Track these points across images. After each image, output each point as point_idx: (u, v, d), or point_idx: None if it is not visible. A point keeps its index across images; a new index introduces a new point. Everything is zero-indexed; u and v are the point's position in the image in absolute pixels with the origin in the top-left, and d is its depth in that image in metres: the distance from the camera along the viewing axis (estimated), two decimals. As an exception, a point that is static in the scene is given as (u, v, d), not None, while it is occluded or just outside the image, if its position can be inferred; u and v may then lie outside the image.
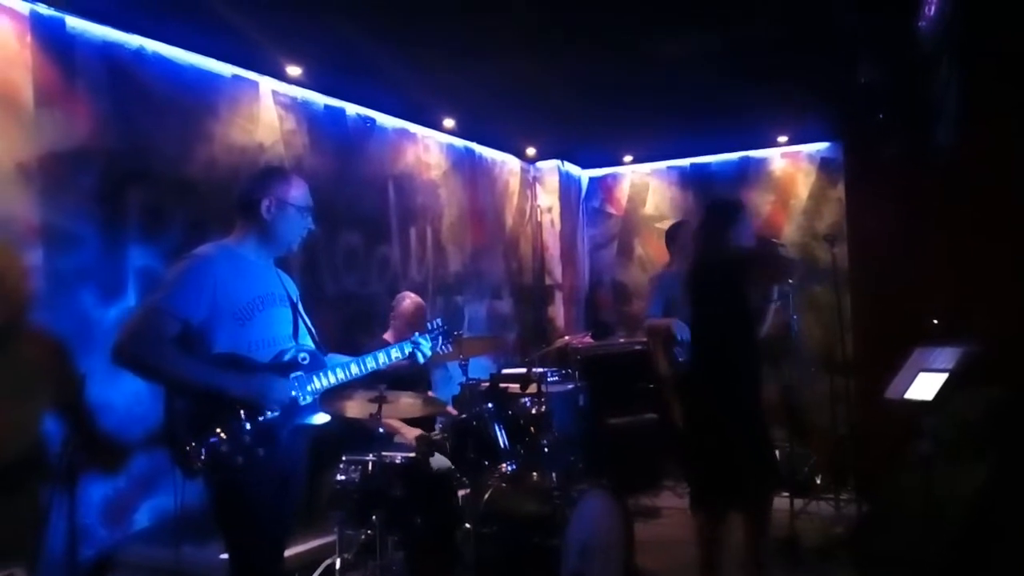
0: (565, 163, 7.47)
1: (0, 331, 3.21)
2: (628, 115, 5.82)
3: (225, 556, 2.58)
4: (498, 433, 3.87)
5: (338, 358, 2.77)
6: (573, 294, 7.52)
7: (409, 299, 4.60)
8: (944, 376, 3.46)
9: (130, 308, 3.61)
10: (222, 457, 2.34)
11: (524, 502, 3.70)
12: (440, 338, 3.16)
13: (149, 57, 3.90)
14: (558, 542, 3.38)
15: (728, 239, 3.48)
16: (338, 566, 3.61)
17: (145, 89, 3.85)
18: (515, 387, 4.45)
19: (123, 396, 3.54)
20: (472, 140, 6.45)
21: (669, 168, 7.44)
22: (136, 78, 3.82)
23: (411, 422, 4.30)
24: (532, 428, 4.07)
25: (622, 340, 6.62)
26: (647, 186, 7.56)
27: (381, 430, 3.41)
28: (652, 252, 7.38)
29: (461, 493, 3.90)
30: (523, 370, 5.18)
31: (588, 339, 6.40)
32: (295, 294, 2.76)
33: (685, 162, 7.35)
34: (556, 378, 5.52)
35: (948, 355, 3.54)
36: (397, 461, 3.75)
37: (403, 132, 5.70)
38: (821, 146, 6.75)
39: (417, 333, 3.11)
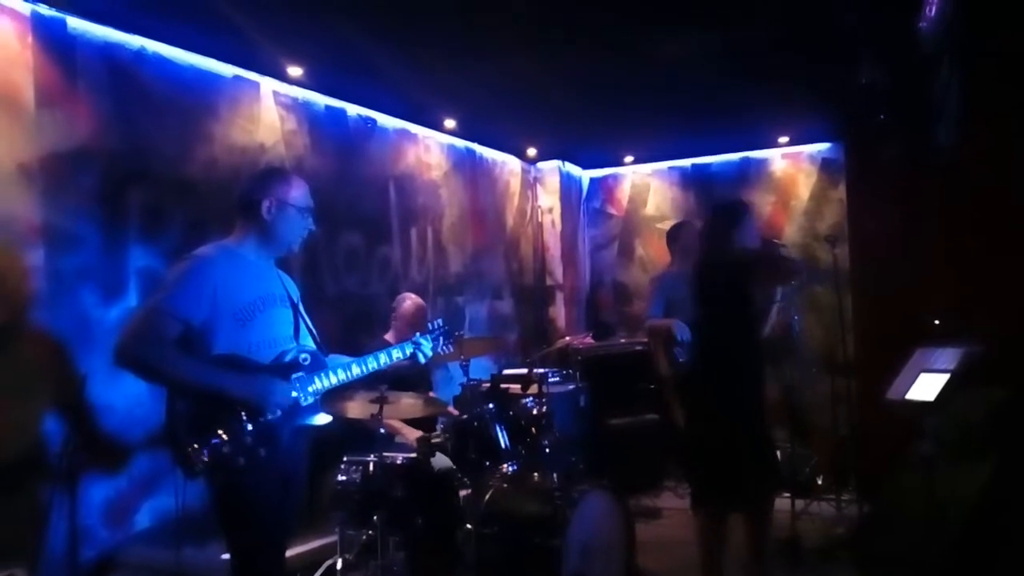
0: (566, 163, 7.48)
1: (1, 331, 3.21)
2: (629, 115, 5.82)
3: (226, 557, 2.58)
4: (499, 434, 3.86)
5: (339, 359, 2.77)
6: (574, 295, 7.52)
7: (410, 300, 4.60)
8: (945, 377, 3.46)
9: (131, 308, 3.61)
10: (224, 458, 2.34)
11: (525, 503, 3.70)
12: (441, 338, 3.16)
13: (150, 58, 3.90)
14: (559, 543, 3.38)
15: (733, 240, 3.48)
16: (339, 566, 3.61)
17: (146, 89, 3.85)
18: (516, 388, 4.45)
19: (124, 396, 3.54)
20: (473, 141, 6.45)
21: (670, 168, 7.44)
22: (137, 78, 3.82)
23: (412, 422, 4.30)
24: (533, 429, 4.07)
25: (623, 341, 6.62)
26: (648, 187, 7.56)
27: (382, 431, 3.41)
28: (653, 253, 7.38)
29: (462, 493, 3.90)
30: (524, 371, 5.18)
31: (589, 340, 6.40)
32: (296, 295, 2.76)
33: (686, 163, 7.35)
34: (557, 379, 5.52)
35: (949, 356, 3.54)
36: (398, 462, 3.75)
37: (404, 132, 5.70)
38: (822, 147, 6.75)
39: (418, 334, 3.11)
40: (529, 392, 4.30)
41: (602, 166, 7.75)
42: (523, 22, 3.96)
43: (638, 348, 5.99)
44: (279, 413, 2.48)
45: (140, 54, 3.85)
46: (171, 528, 3.48)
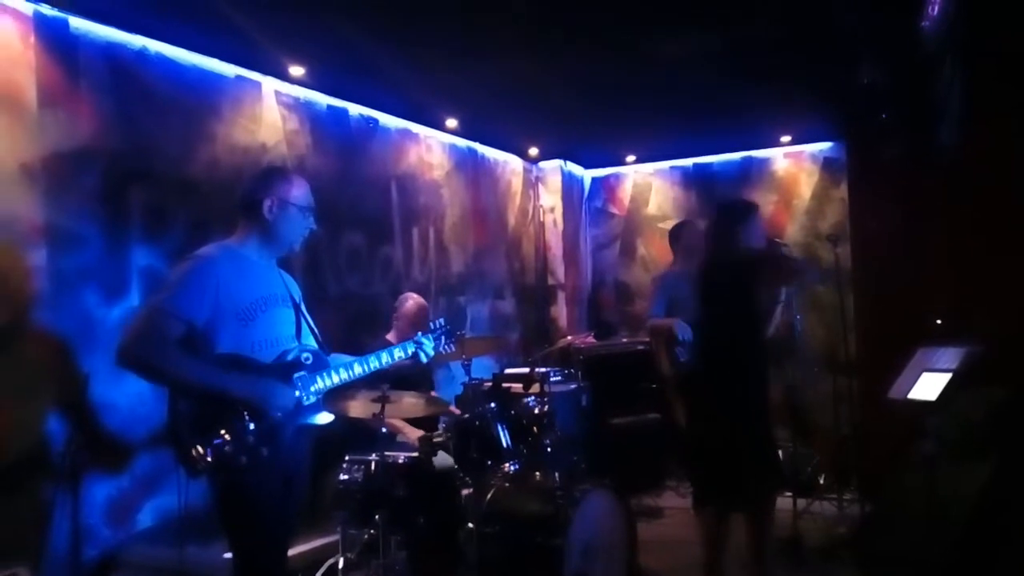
0: (568, 163, 7.48)
1: (4, 331, 3.21)
2: (630, 115, 5.82)
3: (229, 556, 2.59)
4: (501, 433, 3.87)
5: (341, 358, 2.78)
6: (576, 294, 7.52)
7: (412, 300, 4.60)
8: (947, 376, 3.45)
9: (133, 308, 3.61)
10: (226, 457, 2.34)
11: (527, 502, 3.70)
12: (443, 338, 3.16)
13: (152, 57, 3.90)
14: (561, 542, 3.38)
15: (740, 239, 3.48)
16: (341, 565, 3.61)
17: (148, 89, 3.86)
18: (518, 387, 4.45)
19: (126, 396, 3.54)
20: (475, 140, 6.46)
21: (672, 168, 7.44)
22: (139, 78, 3.82)
23: (414, 422, 4.31)
24: (535, 428, 4.07)
25: (625, 340, 6.61)
26: (650, 186, 7.56)
27: (384, 430, 3.41)
28: (655, 252, 7.38)
29: (464, 493, 3.90)
30: (526, 370, 5.18)
31: (591, 339, 6.40)
32: (298, 294, 2.77)
33: (688, 162, 7.34)
34: (559, 378, 5.51)
35: (951, 355, 3.54)
36: (400, 461, 3.75)
37: (406, 132, 5.71)
38: (824, 146, 6.75)
39: (420, 333, 3.11)
40: (531, 391, 4.30)
41: (604, 165, 7.75)
42: (524, 22, 3.96)
43: (640, 348, 5.99)
44: (280, 414, 2.48)
45: (142, 54, 3.85)
46: (173, 527, 3.48)
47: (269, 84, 4.56)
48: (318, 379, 2.62)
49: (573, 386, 5.52)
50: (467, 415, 3.98)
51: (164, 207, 3.89)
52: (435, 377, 5.03)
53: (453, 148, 6.25)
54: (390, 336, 4.50)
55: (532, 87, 5.00)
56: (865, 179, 5.39)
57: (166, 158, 3.92)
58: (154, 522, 3.73)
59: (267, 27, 3.83)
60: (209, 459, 2.33)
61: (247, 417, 2.40)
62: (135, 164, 3.76)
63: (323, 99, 4.96)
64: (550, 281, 7.36)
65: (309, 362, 2.61)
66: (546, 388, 4.33)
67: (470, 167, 6.46)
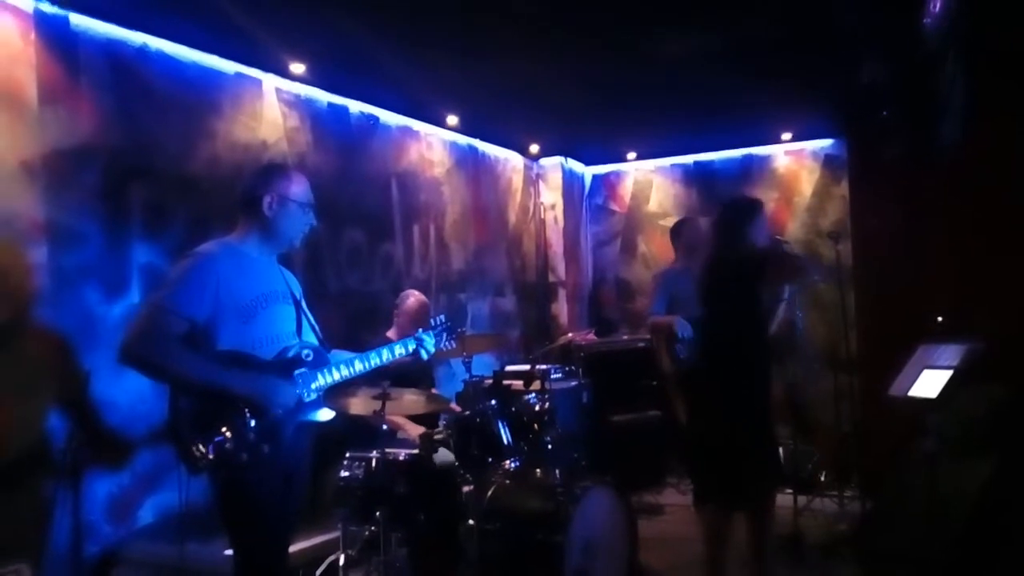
0: (568, 160, 7.47)
1: (5, 328, 3.21)
2: (631, 112, 5.81)
3: (229, 553, 2.59)
4: (502, 430, 3.87)
5: (342, 354, 2.78)
6: (576, 291, 7.52)
7: (413, 297, 4.60)
8: (948, 373, 3.45)
9: (134, 305, 3.62)
10: (227, 454, 2.34)
11: (528, 499, 3.71)
12: (444, 334, 3.17)
13: (152, 54, 3.90)
14: (561, 539, 3.38)
15: (745, 237, 3.47)
16: (342, 562, 3.62)
17: (148, 86, 3.85)
18: (519, 384, 4.46)
19: (127, 393, 3.54)
20: (475, 137, 6.45)
21: (673, 165, 7.43)
22: (139, 75, 3.82)
23: (415, 419, 4.31)
24: (536, 425, 4.08)
25: (625, 337, 6.62)
26: (650, 183, 7.56)
27: (385, 427, 3.41)
28: (655, 249, 7.38)
29: (465, 490, 3.90)
30: (527, 367, 5.18)
31: (591, 336, 6.40)
32: (298, 291, 2.77)
33: (689, 159, 7.34)
34: (559, 375, 5.51)
35: (952, 352, 3.54)
36: (401, 458, 3.75)
37: (406, 129, 5.70)
38: (825, 143, 6.74)
39: (420, 330, 3.11)
40: (531, 388, 4.30)
41: (605, 162, 7.74)
42: (525, 19, 3.96)
43: (640, 345, 5.99)
44: (281, 412, 2.49)
45: (143, 51, 3.85)
46: (174, 524, 3.48)
47: (270, 81, 4.56)
48: (319, 376, 2.62)
49: (574, 383, 5.53)
50: (468, 412, 3.99)
51: (164, 204, 3.89)
52: (436, 374, 5.03)
53: (454, 145, 6.24)
54: (391, 333, 4.50)
55: (533, 84, 4.99)
56: (866, 177, 5.38)
57: (166, 155, 3.92)
58: (155, 519, 3.73)
59: (268, 24, 3.83)
60: (210, 456, 2.33)
61: (248, 414, 2.40)
62: (135, 161, 3.76)
63: (324, 96, 4.95)
64: (551, 278, 7.36)
65: (310, 359, 2.61)
66: (547, 385, 4.34)
67: (471, 164, 6.45)
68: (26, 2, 3.36)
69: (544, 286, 7.34)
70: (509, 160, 7.00)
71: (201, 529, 3.23)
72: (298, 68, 4.51)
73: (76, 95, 3.53)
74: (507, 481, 3.78)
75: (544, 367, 5.15)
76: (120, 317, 3.56)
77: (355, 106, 5.20)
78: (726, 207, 3.70)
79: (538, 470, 3.92)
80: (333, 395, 2.74)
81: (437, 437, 4.03)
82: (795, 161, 6.90)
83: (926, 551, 3.59)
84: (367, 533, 3.69)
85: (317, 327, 2.77)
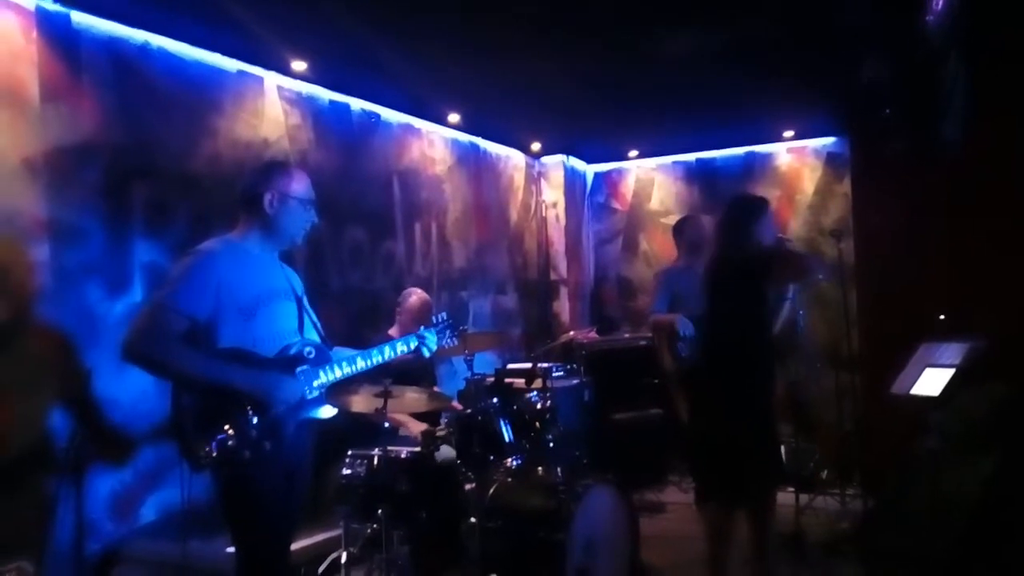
0: (570, 158, 7.46)
1: (7, 326, 3.21)
2: (633, 110, 5.81)
3: (231, 550, 2.59)
4: (503, 428, 3.87)
5: (344, 351, 2.78)
6: (578, 289, 7.51)
7: (416, 295, 4.60)
8: (950, 372, 3.45)
9: (136, 303, 3.62)
10: (229, 451, 2.34)
11: (529, 497, 3.70)
12: (446, 331, 3.16)
13: (154, 52, 3.90)
14: (563, 537, 3.38)
15: (751, 235, 3.45)
16: (344, 560, 3.62)
17: (150, 84, 3.85)
18: (520, 382, 4.45)
19: (129, 390, 3.54)
20: (477, 135, 6.45)
21: (674, 163, 7.43)
22: (141, 73, 3.82)
23: (417, 417, 4.31)
24: (537, 423, 4.07)
25: (627, 335, 6.62)
26: (652, 181, 7.55)
27: (387, 425, 3.41)
28: (657, 247, 7.38)
29: (467, 487, 3.90)
30: (528, 365, 5.17)
31: (593, 334, 6.38)
32: (300, 288, 2.76)
33: (690, 157, 7.33)
34: (561, 373, 5.52)
35: (954, 351, 3.53)
36: (402, 456, 3.75)
37: (408, 127, 5.70)
38: (827, 141, 6.73)
39: (422, 327, 3.11)
40: (533, 387, 4.30)
41: (606, 160, 7.74)
42: (527, 17, 3.95)
43: (642, 343, 5.99)
44: (284, 408, 2.49)
45: (144, 49, 3.85)
46: (176, 521, 3.48)
47: (271, 79, 4.56)
48: (320, 373, 2.62)
49: (575, 381, 5.53)
50: (469, 410, 3.99)
51: (166, 202, 3.89)
52: (437, 372, 5.03)
53: (455, 143, 6.24)
54: (393, 331, 4.51)
55: (535, 82, 4.99)
56: (868, 174, 5.37)
57: (168, 153, 3.92)
58: (157, 516, 3.73)
59: (269, 22, 3.83)
60: (212, 454, 2.33)
61: (250, 411, 2.41)
62: (137, 159, 3.76)
63: (325, 94, 4.95)
64: (552, 276, 7.36)
65: (311, 356, 2.61)
66: (548, 383, 4.33)
67: (472, 162, 6.45)
68: (28, 0, 3.36)
69: (546, 284, 7.34)
70: (511, 158, 6.99)
71: (203, 526, 3.23)
72: (300, 66, 4.51)
73: (78, 93, 3.53)
74: (509, 479, 3.78)
75: (546, 365, 5.15)
76: (122, 315, 3.56)
77: (357, 104, 5.20)
78: (733, 205, 3.67)
79: (540, 468, 3.91)
80: (335, 393, 2.74)
81: (439, 434, 4.03)
82: (797, 159, 6.90)
83: (928, 549, 3.59)
84: (369, 531, 3.69)
85: (319, 324, 2.77)
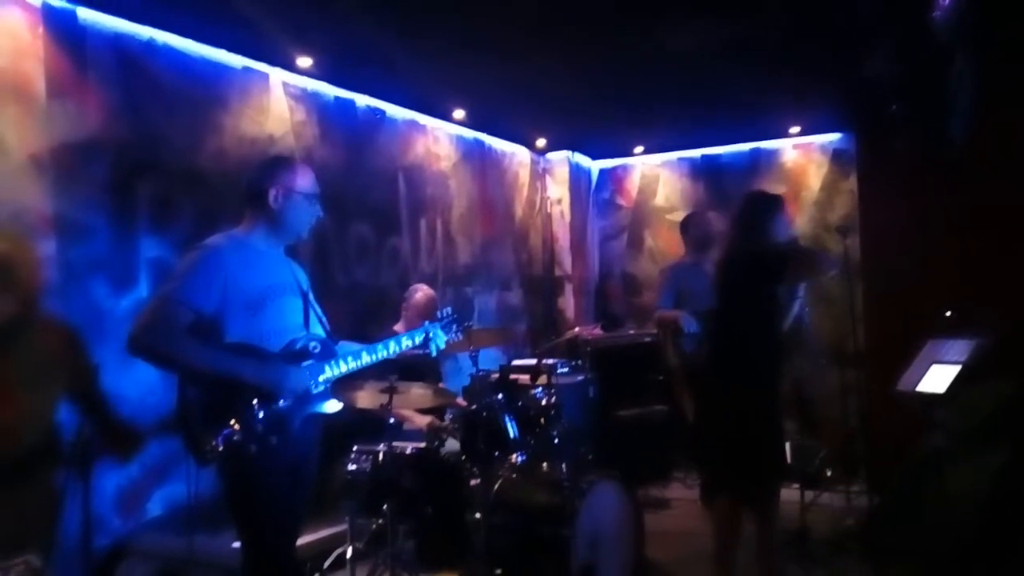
0: (575, 154, 7.46)
1: (13, 321, 3.22)
2: (638, 106, 5.80)
3: (238, 545, 2.60)
4: (508, 424, 3.87)
5: (350, 345, 2.78)
6: (583, 286, 7.51)
7: (421, 291, 4.61)
8: (956, 368, 3.44)
9: (142, 299, 3.63)
10: (236, 446, 2.35)
11: (534, 493, 3.71)
12: (451, 326, 3.16)
13: (160, 48, 3.90)
14: (568, 533, 3.39)
15: (766, 232, 3.44)
16: (349, 555, 3.63)
17: (156, 80, 3.86)
18: (525, 378, 4.47)
19: (136, 385, 3.55)
20: (482, 131, 6.45)
21: (680, 159, 7.41)
22: (147, 69, 3.83)
23: (421, 413, 4.31)
24: (542, 419, 4.08)
25: (632, 332, 6.61)
26: (657, 177, 7.54)
27: (392, 420, 3.42)
28: (662, 243, 7.37)
29: (472, 483, 3.91)
30: (533, 361, 5.18)
31: (598, 331, 6.39)
32: (305, 283, 2.77)
33: (696, 153, 7.32)
34: (566, 369, 5.52)
35: (960, 347, 3.52)
36: (408, 451, 3.76)
37: (413, 123, 5.70)
38: (833, 137, 6.72)
39: (428, 322, 3.11)
40: (538, 383, 4.32)
41: (612, 156, 7.73)
42: (532, 13, 3.95)
43: (647, 339, 5.99)
44: (291, 399, 2.49)
45: (150, 45, 3.86)
46: (183, 516, 3.50)
47: (277, 75, 4.56)
48: (326, 368, 2.62)
49: (580, 378, 5.53)
50: (474, 406, 3.99)
51: (172, 198, 3.90)
52: (442, 369, 5.03)
53: (460, 139, 6.24)
54: (398, 327, 4.51)
55: (540, 78, 4.98)
56: (875, 171, 5.35)
57: (174, 149, 3.93)
58: (163, 511, 3.75)
59: (275, 18, 3.83)
60: (219, 448, 2.33)
61: (256, 405, 2.41)
62: (143, 155, 3.77)
63: (330, 90, 4.96)
64: (557, 273, 7.36)
65: (317, 351, 2.61)
66: (553, 380, 4.34)
67: (477, 158, 6.45)
68: (34, -4, 3.37)
69: (551, 280, 7.34)
70: (516, 154, 6.99)
71: (209, 521, 3.25)
72: (305, 62, 4.51)
73: (84, 89, 3.54)
74: (514, 475, 3.79)
75: (550, 361, 5.15)
76: (128, 310, 3.58)
77: (362, 100, 5.21)
78: (748, 201, 3.64)
79: (545, 464, 3.92)
80: (340, 388, 2.75)
81: (444, 428, 4.04)
82: (803, 155, 6.88)
83: (933, 546, 3.58)
84: (374, 526, 3.70)
85: (325, 319, 2.78)
